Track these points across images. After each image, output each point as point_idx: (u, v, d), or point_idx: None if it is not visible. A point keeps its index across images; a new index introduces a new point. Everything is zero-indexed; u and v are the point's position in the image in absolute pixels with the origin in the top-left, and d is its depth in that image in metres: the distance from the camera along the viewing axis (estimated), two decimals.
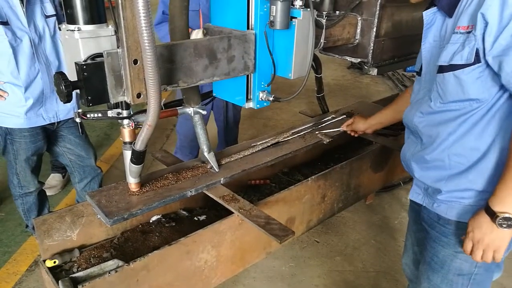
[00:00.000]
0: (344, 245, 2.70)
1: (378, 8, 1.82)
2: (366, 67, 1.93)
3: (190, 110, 1.53)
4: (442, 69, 1.26)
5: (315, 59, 2.11)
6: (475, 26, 1.14)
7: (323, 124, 2.33)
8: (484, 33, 1.13)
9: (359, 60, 1.95)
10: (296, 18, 1.42)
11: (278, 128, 4.34)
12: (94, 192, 1.52)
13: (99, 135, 4.22)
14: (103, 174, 2.66)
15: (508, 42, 1.09)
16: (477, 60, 1.17)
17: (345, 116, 2.46)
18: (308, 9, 1.44)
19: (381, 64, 1.95)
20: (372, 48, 1.88)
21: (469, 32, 1.18)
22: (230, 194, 1.63)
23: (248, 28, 1.42)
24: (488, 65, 1.17)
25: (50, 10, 2.08)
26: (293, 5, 1.42)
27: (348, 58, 1.97)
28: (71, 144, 2.40)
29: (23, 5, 1.93)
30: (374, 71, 1.90)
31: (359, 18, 1.89)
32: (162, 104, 1.60)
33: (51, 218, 1.61)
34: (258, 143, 1.98)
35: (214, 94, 1.64)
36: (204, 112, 1.53)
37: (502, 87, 1.20)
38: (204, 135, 1.61)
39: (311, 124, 2.32)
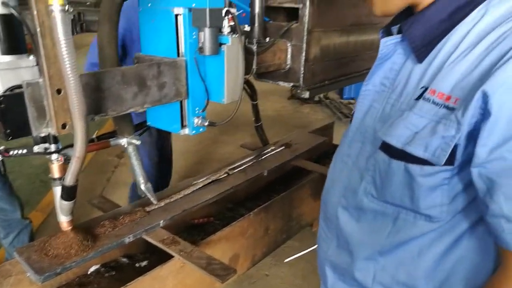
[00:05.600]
0: (294, 275, 2.67)
1: (305, 34, 1.91)
2: (298, 91, 1.99)
3: (123, 141, 1.49)
4: (389, 150, 0.82)
5: (250, 86, 2.15)
6: (465, 105, 0.70)
7: (264, 157, 2.36)
8: (479, 127, 0.69)
9: (291, 84, 2.01)
10: (225, 44, 1.45)
11: (223, 161, 4.30)
12: (23, 248, 1.41)
13: (34, 182, 3.97)
14: (32, 225, 2.49)
15: None
16: (449, 161, 0.74)
17: (283, 147, 2.51)
18: (237, 35, 1.47)
19: (312, 87, 2.02)
20: (302, 72, 1.96)
21: (449, 108, 0.73)
22: (170, 237, 1.60)
23: (178, 55, 1.43)
24: (461, 170, 0.75)
25: None
26: (222, 32, 1.46)
27: (281, 83, 2.03)
28: None
29: None
30: (306, 94, 1.96)
31: (289, 44, 1.96)
32: (95, 136, 1.56)
33: None
34: (199, 181, 1.97)
35: (148, 123, 1.61)
36: (137, 143, 1.50)
37: (471, 207, 0.79)
38: (139, 166, 1.56)
39: (252, 157, 2.34)
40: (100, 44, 1.35)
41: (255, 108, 2.37)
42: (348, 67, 2.28)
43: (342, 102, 6.72)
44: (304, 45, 1.92)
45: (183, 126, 1.52)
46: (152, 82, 1.32)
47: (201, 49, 1.39)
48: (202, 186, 1.92)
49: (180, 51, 1.43)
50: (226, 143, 5.00)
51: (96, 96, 1.18)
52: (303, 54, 1.93)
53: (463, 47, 0.75)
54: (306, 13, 1.82)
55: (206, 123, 1.52)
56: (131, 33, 2.41)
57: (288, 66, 2.00)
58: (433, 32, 0.79)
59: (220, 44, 1.44)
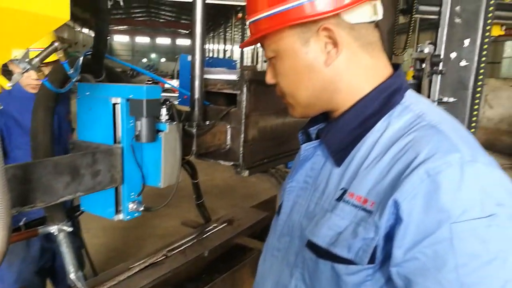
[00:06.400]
0: None
1: (243, 117, 2.01)
2: (238, 169, 2.04)
3: (53, 228, 1.44)
4: (315, 250, 0.86)
5: (190, 165, 2.18)
6: (381, 210, 0.77)
7: (205, 235, 2.34)
8: (393, 229, 0.76)
9: (231, 163, 2.07)
10: (162, 131, 1.49)
11: (167, 237, 4.18)
12: None
13: None
14: None
15: (428, 259, 0.71)
16: (370, 260, 0.79)
17: (226, 224, 2.51)
18: (174, 122, 1.52)
19: (251, 165, 2.09)
20: (242, 152, 2.03)
21: (367, 211, 0.80)
22: None
23: (115, 142, 1.45)
24: (382, 266, 0.80)
25: None
26: (159, 119, 1.50)
27: (222, 162, 2.08)
28: None
29: None
30: (246, 173, 2.02)
31: (228, 126, 2.05)
32: (23, 223, 1.49)
33: None
34: (136, 264, 1.90)
35: (82, 209, 1.57)
36: (69, 229, 1.45)
37: None
38: (70, 254, 1.50)
39: (193, 236, 2.30)
40: (34, 132, 1.35)
41: (196, 186, 2.39)
42: (286, 145, 2.39)
43: (286, 171, 6.90)
44: (243, 128, 2.01)
45: (117, 211, 1.50)
46: (86, 170, 1.31)
47: (137, 137, 1.42)
48: (139, 271, 1.85)
49: (116, 138, 1.44)
50: (170, 216, 4.88)
51: (23, 188, 1.15)
52: (242, 135, 2.02)
53: (374, 154, 0.84)
54: (244, 99, 1.93)
55: (142, 208, 1.50)
56: (7, 126, 2.32)
57: (228, 147, 2.07)
58: (347, 138, 0.88)
59: (158, 131, 1.48)
